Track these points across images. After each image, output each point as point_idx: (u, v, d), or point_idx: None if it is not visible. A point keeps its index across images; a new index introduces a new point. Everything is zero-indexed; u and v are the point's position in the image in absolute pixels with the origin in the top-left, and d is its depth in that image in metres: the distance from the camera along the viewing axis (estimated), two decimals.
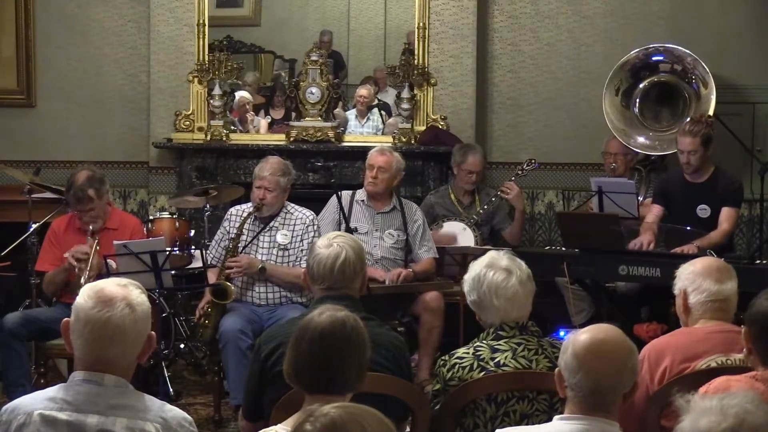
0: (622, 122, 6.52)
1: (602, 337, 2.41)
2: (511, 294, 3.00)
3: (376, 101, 7.33)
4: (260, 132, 7.19)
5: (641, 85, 6.59)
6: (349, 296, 3.10)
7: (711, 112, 6.14)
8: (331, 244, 3.14)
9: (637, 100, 6.59)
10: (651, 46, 6.57)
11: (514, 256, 3.11)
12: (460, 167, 6.15)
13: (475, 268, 3.07)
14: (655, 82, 6.60)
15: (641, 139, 6.47)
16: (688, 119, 5.80)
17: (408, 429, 3.13)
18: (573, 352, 2.39)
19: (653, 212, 5.64)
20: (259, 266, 5.03)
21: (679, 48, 6.46)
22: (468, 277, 3.08)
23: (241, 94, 7.19)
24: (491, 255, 3.11)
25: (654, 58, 6.56)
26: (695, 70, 6.39)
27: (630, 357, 2.41)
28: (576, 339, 2.42)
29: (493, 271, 3.02)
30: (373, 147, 6.75)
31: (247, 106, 7.16)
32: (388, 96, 7.43)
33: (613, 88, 6.56)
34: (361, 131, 7.22)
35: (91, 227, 5.02)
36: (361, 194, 5.59)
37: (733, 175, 5.64)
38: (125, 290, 2.36)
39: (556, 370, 2.46)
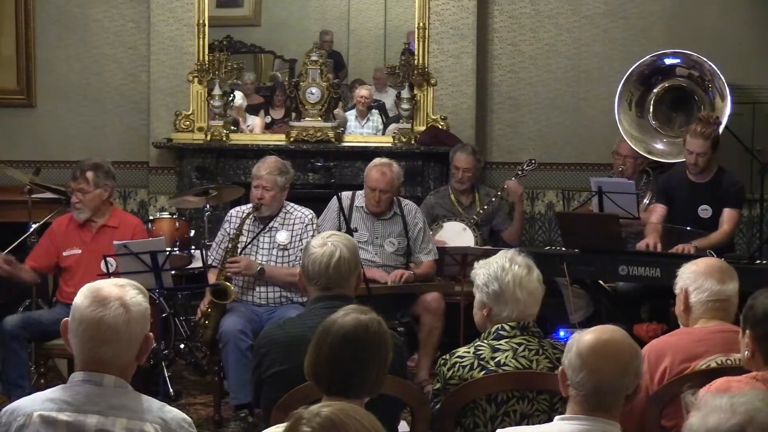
0: (639, 132, 6.42)
1: (607, 338, 2.41)
2: (533, 288, 3.01)
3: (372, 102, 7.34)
4: (254, 131, 7.19)
5: (655, 90, 6.50)
6: (344, 295, 3.09)
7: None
8: (325, 243, 3.14)
9: (651, 106, 6.53)
10: (661, 51, 6.51)
11: (528, 256, 3.11)
12: (451, 165, 6.19)
13: (496, 261, 3.04)
14: (670, 87, 6.50)
15: (659, 146, 6.42)
16: (698, 119, 5.75)
17: (408, 429, 3.14)
18: (577, 351, 2.40)
19: (657, 212, 5.63)
20: (258, 269, 5.03)
21: (696, 54, 6.39)
22: (485, 270, 3.04)
23: (236, 101, 7.19)
24: (510, 251, 3.11)
25: (667, 61, 6.47)
26: (714, 80, 6.29)
27: (634, 359, 2.41)
28: (581, 338, 2.42)
29: (516, 264, 3.02)
30: (373, 147, 6.79)
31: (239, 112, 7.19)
32: (388, 96, 7.42)
33: (626, 103, 6.46)
34: (361, 131, 7.22)
35: (76, 215, 5.03)
36: (360, 200, 5.56)
37: (735, 176, 5.62)
38: (121, 290, 2.35)
39: (560, 368, 2.47)
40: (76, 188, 5.03)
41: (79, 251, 5.08)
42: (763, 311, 2.72)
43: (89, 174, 5.01)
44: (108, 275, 4.62)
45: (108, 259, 4.83)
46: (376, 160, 5.56)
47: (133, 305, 2.34)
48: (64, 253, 5.10)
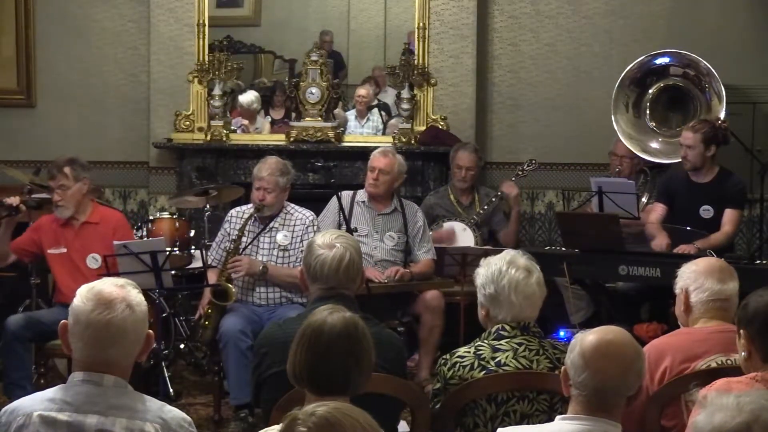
0: (636, 132, 6.40)
1: (610, 339, 2.42)
2: (530, 293, 3.01)
3: (375, 101, 7.34)
4: (263, 133, 7.20)
5: (650, 91, 6.48)
6: (346, 296, 3.09)
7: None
8: (333, 244, 3.12)
9: (648, 107, 6.52)
10: (651, 53, 6.50)
11: (531, 258, 3.11)
12: (452, 164, 6.18)
13: (495, 262, 3.04)
14: (666, 86, 6.49)
15: (654, 145, 6.41)
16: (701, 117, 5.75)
17: (408, 429, 3.14)
18: (580, 351, 2.40)
19: (657, 211, 5.63)
20: (261, 267, 5.03)
21: (692, 54, 6.37)
22: (484, 271, 3.05)
23: (250, 100, 7.17)
24: (511, 253, 3.11)
25: (658, 61, 6.46)
26: (711, 80, 6.27)
27: (636, 360, 2.42)
28: (584, 338, 2.43)
29: (515, 268, 3.01)
30: (373, 147, 6.78)
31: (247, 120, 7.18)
32: (388, 96, 7.42)
33: (622, 106, 6.45)
34: (361, 131, 7.23)
35: (59, 213, 5.04)
36: (361, 195, 5.58)
37: (737, 177, 5.62)
38: (123, 291, 2.36)
39: (562, 368, 2.47)
40: (56, 186, 5.07)
41: (65, 250, 5.10)
42: (754, 309, 2.72)
43: (67, 169, 5.05)
44: (108, 273, 4.61)
45: (96, 255, 4.89)
46: (381, 147, 5.60)
47: (136, 305, 2.36)
48: (50, 251, 5.11)
